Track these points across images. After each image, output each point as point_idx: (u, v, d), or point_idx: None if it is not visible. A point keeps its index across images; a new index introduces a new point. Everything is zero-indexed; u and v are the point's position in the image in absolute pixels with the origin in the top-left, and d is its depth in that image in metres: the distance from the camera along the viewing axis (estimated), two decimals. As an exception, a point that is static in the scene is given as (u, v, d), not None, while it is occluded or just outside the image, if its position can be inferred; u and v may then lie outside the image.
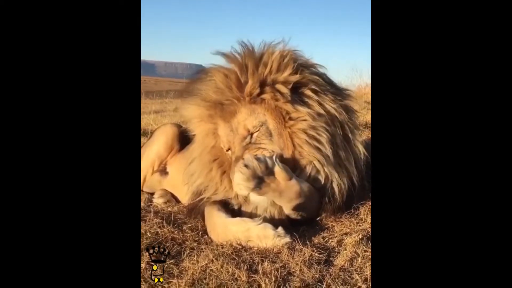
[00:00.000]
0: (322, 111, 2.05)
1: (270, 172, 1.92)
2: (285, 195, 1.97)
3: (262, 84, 2.00)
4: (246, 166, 1.89)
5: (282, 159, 2.00)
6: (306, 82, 2.07)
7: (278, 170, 1.93)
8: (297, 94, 2.04)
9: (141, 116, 6.65)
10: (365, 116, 4.60)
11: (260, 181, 1.91)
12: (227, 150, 2.14)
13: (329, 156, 2.04)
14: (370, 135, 3.51)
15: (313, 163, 2.05)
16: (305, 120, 2.02)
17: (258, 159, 1.91)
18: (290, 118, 2.03)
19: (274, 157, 1.95)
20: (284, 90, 1.99)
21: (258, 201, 2.02)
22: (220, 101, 2.08)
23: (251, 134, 2.05)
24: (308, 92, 2.06)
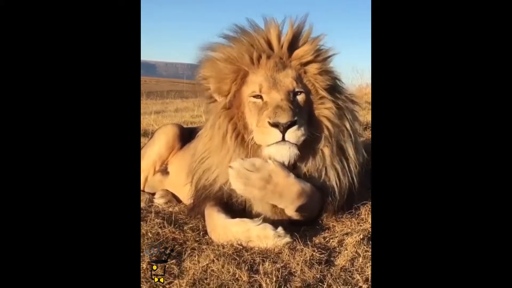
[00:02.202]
0: (342, 105, 2.12)
1: (257, 169, 1.91)
2: (286, 196, 1.95)
3: (315, 55, 2.05)
4: (230, 167, 1.93)
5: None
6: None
7: (274, 168, 1.92)
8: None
9: (142, 117, 6.65)
10: (365, 116, 4.60)
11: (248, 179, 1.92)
12: (255, 97, 2.02)
13: (335, 148, 2.08)
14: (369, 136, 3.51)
15: (323, 153, 2.07)
16: (330, 109, 2.07)
17: (243, 159, 1.94)
18: (321, 103, 2.08)
19: (270, 159, 1.93)
20: (328, 76, 2.07)
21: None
22: (267, 51, 2.05)
23: (294, 93, 2.03)
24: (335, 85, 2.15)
